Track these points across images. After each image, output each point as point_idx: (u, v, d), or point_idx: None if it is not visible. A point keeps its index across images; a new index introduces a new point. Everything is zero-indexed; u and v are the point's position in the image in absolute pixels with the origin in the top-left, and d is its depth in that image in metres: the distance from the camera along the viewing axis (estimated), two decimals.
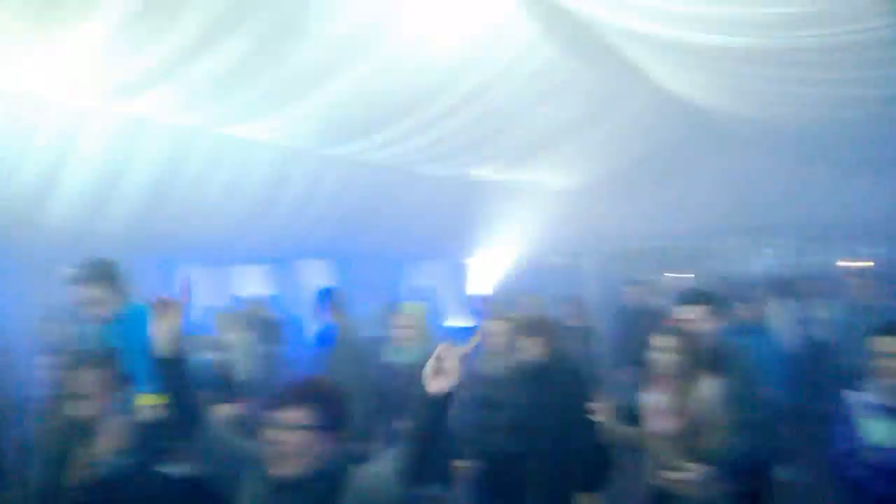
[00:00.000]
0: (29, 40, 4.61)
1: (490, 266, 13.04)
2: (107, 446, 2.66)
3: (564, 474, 3.64)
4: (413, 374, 3.93)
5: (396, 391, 3.83)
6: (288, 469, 1.92)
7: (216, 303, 8.38)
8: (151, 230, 7.52)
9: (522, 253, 12.80)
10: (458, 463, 3.85)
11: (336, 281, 10.02)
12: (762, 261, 12.26)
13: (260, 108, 6.52)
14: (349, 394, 2.08)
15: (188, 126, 6.77)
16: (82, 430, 2.80)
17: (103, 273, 3.02)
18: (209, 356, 4.31)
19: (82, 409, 2.73)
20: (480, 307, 7.67)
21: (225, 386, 3.02)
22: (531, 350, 3.92)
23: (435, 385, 2.05)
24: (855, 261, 10.35)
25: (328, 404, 2.00)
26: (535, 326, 4.06)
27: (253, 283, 9.95)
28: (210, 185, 7.56)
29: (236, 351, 5.51)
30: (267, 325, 6.33)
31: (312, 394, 2.00)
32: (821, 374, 6.27)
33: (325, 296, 4.61)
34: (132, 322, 2.91)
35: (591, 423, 3.50)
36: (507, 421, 3.82)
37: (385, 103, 6.88)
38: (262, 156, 7.87)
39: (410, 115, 7.31)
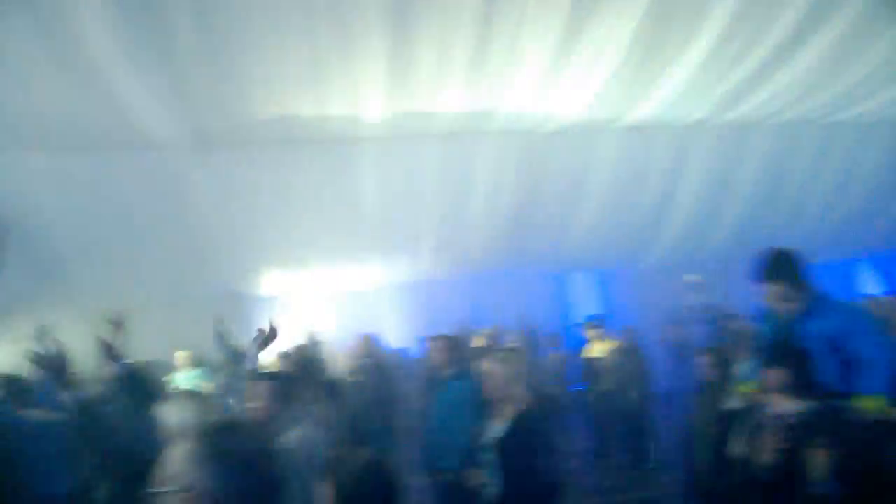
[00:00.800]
0: (645, 77, 5.52)
1: None
2: (769, 442, 2.53)
3: None
4: None
5: None
6: None
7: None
8: (759, 231, 7.70)
9: None
10: None
11: None
12: None
13: (866, 89, 6.03)
14: None
15: (793, 122, 6.83)
16: (740, 423, 2.75)
17: (786, 267, 2.82)
18: None
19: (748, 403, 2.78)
20: None
21: None
22: None
23: None
24: None
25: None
26: None
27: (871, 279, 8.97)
28: (820, 176, 7.43)
29: None
30: None
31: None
32: None
33: None
34: (818, 318, 2.77)
35: None
36: None
37: None
38: (874, 136, 7.23)
39: None
